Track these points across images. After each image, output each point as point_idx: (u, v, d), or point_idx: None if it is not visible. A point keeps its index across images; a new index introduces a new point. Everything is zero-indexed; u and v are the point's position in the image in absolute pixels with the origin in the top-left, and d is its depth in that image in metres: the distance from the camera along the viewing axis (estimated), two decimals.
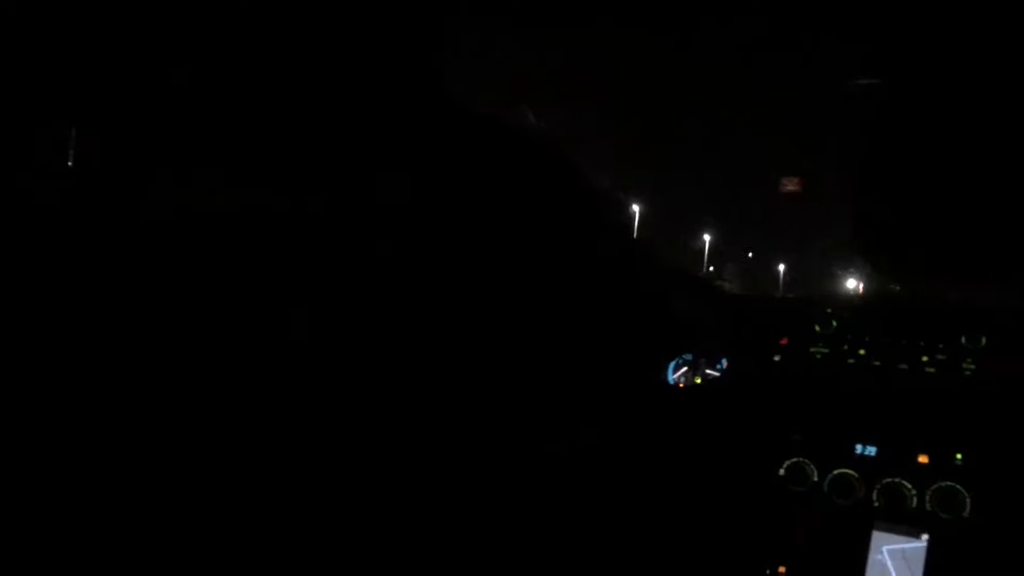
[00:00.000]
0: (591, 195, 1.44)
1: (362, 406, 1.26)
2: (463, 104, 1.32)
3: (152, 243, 1.09)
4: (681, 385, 1.83)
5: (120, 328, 1.05)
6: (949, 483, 1.40)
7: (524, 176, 1.33)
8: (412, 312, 1.33)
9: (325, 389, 1.21)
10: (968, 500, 1.37)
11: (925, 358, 1.54)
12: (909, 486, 1.43)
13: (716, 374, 1.80)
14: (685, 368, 1.84)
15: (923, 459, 1.45)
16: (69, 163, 1.09)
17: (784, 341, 1.68)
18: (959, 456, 1.43)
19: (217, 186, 1.12)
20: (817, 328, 1.64)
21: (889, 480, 1.44)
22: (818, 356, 1.63)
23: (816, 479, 1.50)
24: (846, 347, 1.62)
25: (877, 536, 1.42)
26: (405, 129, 1.26)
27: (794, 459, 1.53)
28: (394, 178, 1.26)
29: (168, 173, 1.12)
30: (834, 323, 1.64)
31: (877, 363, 1.57)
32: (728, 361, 1.78)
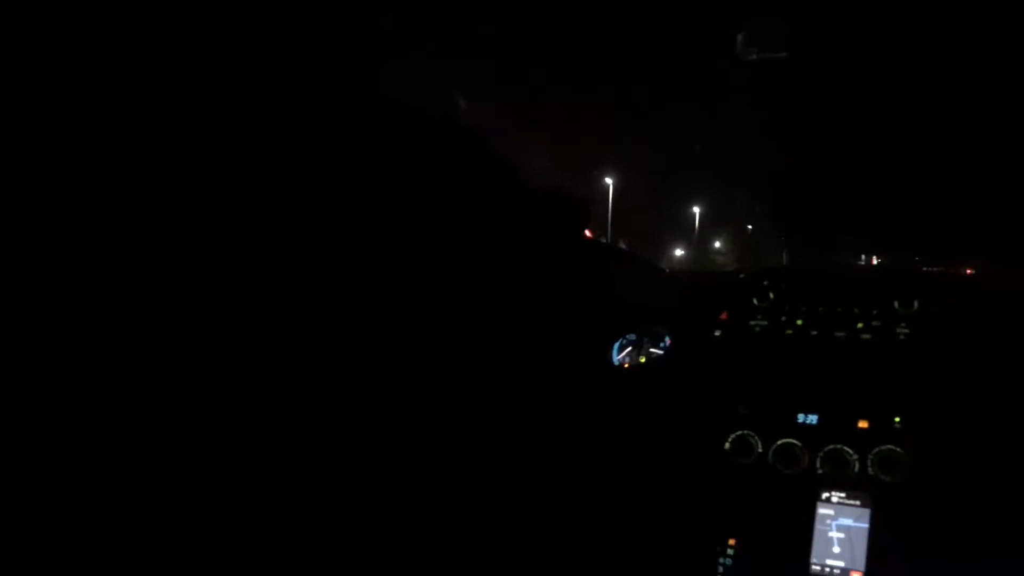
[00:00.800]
0: (518, 185, 1.41)
1: (328, 398, 1.24)
2: (392, 99, 1.28)
3: (147, 244, 1.06)
4: (626, 365, 1.82)
5: (119, 329, 1.04)
6: (889, 446, 1.42)
7: (447, 170, 1.30)
8: (359, 309, 1.30)
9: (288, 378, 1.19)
10: (908, 462, 1.39)
11: (861, 325, 1.55)
12: (851, 451, 1.44)
13: (660, 352, 1.80)
14: (629, 348, 1.84)
15: (863, 424, 1.46)
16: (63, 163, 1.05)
17: (724, 316, 1.68)
18: (897, 419, 1.45)
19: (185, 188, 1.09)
20: (755, 301, 1.65)
21: (831, 447, 1.45)
22: (757, 329, 1.63)
23: (761, 450, 1.51)
24: (784, 319, 1.63)
25: (822, 503, 1.43)
26: (338, 129, 1.22)
27: (739, 432, 1.53)
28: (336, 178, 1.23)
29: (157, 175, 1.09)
30: (771, 295, 1.65)
31: (815, 332, 1.58)
32: (671, 339, 1.77)
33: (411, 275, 1.36)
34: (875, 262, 1.93)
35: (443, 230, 1.39)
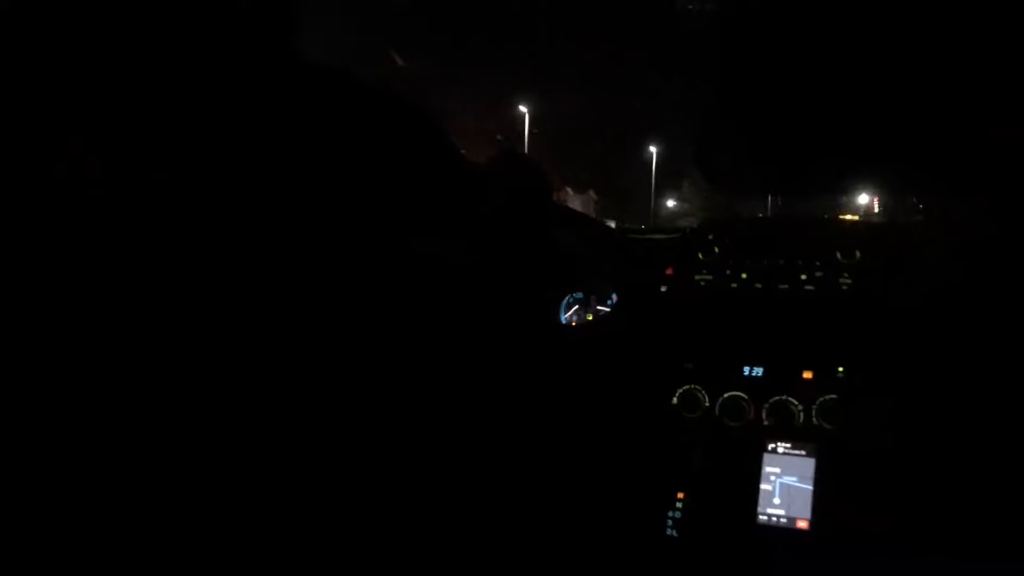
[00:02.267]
0: (447, 145, 1.35)
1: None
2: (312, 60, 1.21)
3: (143, 243, 1.03)
4: (573, 323, 1.79)
5: (121, 329, 1.00)
6: (832, 396, 1.42)
7: (380, 134, 1.24)
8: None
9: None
10: (850, 411, 1.39)
11: (804, 276, 1.54)
12: (796, 403, 1.43)
13: (606, 310, 1.77)
14: (576, 306, 1.81)
15: (807, 375, 1.46)
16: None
17: (670, 271, 1.65)
18: (840, 369, 1.45)
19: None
20: (700, 256, 1.63)
21: (776, 398, 1.45)
22: (703, 284, 1.61)
23: (708, 404, 1.49)
24: (728, 272, 1.61)
25: (768, 454, 1.43)
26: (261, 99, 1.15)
27: (686, 386, 1.52)
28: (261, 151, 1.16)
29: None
30: (716, 250, 1.62)
31: (759, 285, 1.57)
32: (617, 296, 1.75)
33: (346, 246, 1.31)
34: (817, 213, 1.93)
35: (379, 199, 1.33)
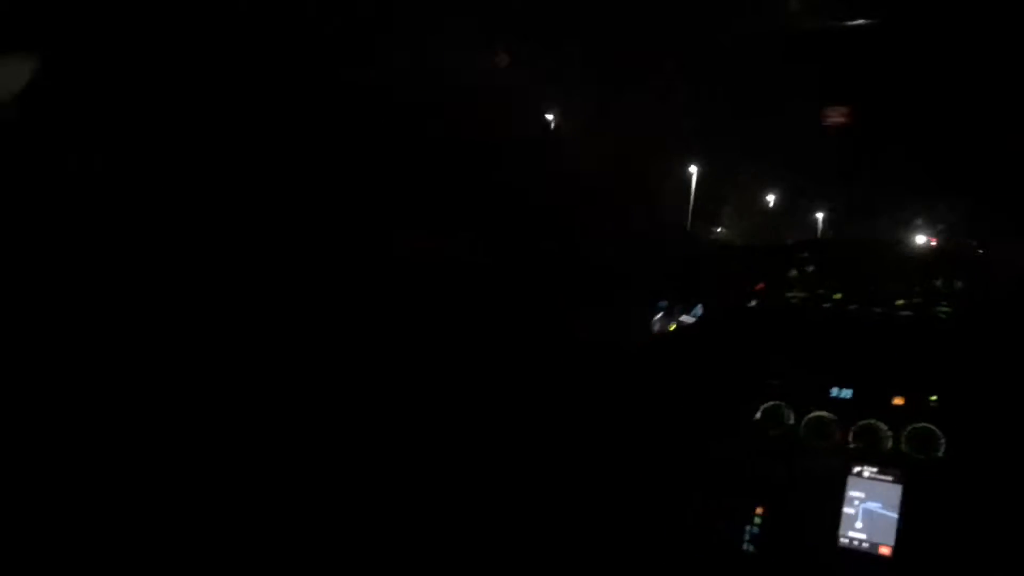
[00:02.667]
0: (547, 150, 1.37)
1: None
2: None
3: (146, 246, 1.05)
4: (657, 332, 1.79)
5: (124, 330, 1.02)
6: (924, 424, 1.39)
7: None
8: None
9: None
10: (943, 441, 1.36)
11: (901, 301, 1.51)
12: (885, 427, 1.41)
13: (691, 320, 1.77)
14: (660, 315, 1.80)
15: (898, 401, 1.43)
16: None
17: (760, 287, 1.64)
18: (933, 398, 1.41)
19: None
20: (794, 273, 1.61)
21: (865, 422, 1.42)
22: (794, 301, 1.60)
23: (792, 422, 1.48)
24: (822, 291, 1.59)
25: (853, 477, 1.40)
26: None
27: (770, 402, 1.50)
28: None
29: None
30: (810, 268, 1.61)
31: (852, 307, 1.54)
32: (704, 308, 1.74)
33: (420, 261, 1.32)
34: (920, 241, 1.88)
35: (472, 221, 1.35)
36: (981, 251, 1.65)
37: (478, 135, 1.44)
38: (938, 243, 1.77)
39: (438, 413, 1.36)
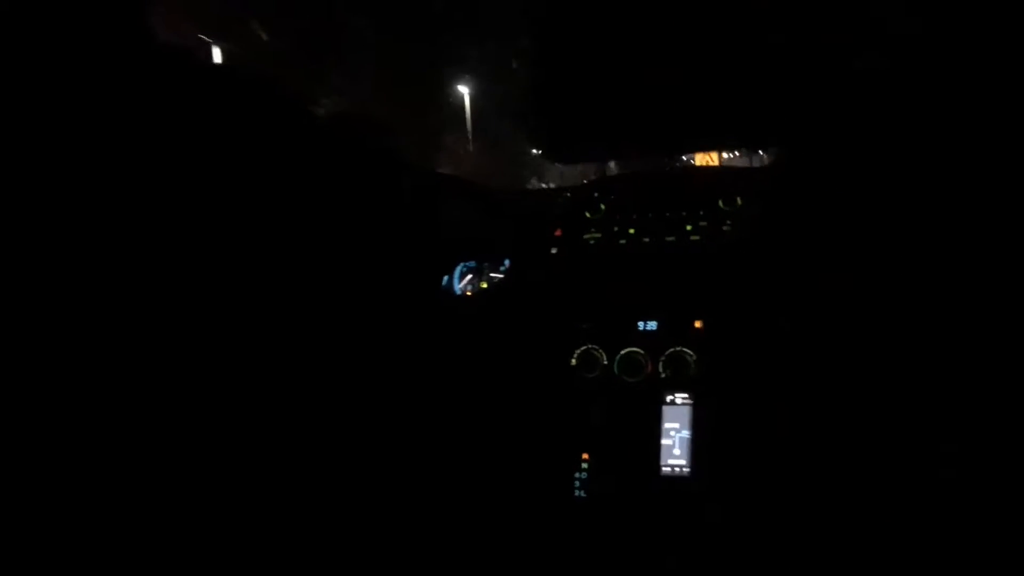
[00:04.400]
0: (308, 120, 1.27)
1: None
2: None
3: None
4: (468, 293, 1.74)
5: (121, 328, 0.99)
6: (722, 344, 1.42)
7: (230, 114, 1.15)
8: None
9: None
10: (739, 358, 1.39)
11: (689, 227, 1.53)
12: (690, 353, 1.43)
13: (500, 276, 1.73)
14: (470, 276, 1.76)
15: (699, 324, 1.45)
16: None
17: (558, 232, 1.62)
18: (727, 317, 1.44)
19: None
20: (587, 214, 1.59)
21: (672, 351, 1.44)
22: (592, 242, 1.58)
23: (606, 362, 1.47)
24: (616, 228, 1.58)
25: (667, 406, 1.42)
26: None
27: (584, 347, 1.50)
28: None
29: None
30: (602, 207, 1.60)
31: (647, 240, 1.55)
32: (510, 262, 1.70)
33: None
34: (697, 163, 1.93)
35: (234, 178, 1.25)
36: (759, 165, 1.69)
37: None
38: (718, 164, 1.81)
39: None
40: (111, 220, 1.03)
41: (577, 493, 1.41)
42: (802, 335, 1.35)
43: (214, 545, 1.15)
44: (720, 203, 1.52)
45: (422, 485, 1.48)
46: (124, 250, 1.01)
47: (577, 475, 1.41)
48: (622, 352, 1.46)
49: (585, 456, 1.42)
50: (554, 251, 1.61)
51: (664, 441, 1.39)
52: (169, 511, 1.07)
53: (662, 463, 1.38)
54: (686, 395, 1.41)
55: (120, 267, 1.03)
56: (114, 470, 0.99)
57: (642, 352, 1.45)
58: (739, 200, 1.53)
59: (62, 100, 0.97)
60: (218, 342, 1.17)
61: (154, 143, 1.08)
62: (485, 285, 1.73)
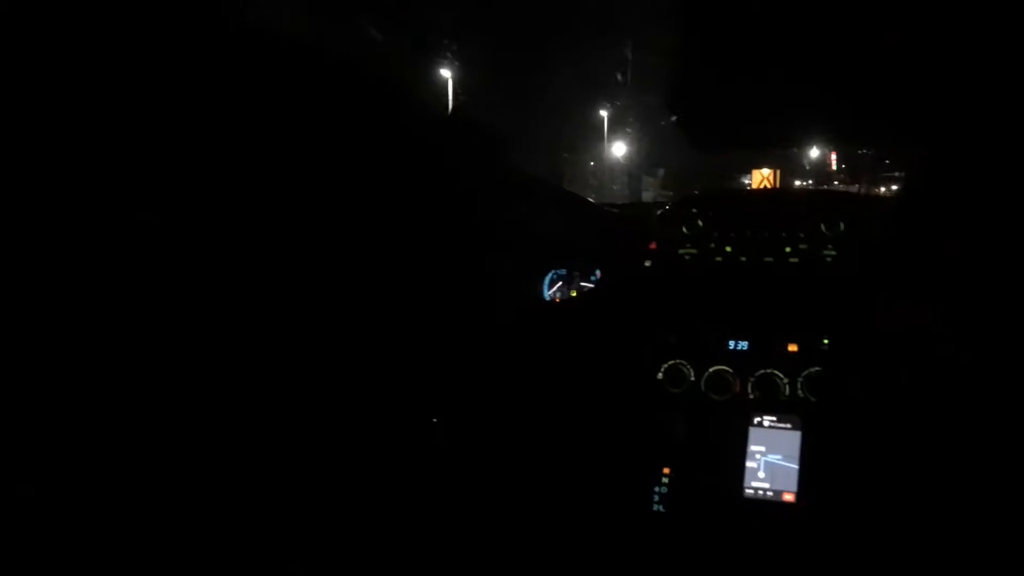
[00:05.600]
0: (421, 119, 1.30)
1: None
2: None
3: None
4: (557, 300, 1.75)
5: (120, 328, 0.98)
6: (818, 368, 1.38)
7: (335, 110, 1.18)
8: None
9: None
10: (836, 383, 1.35)
11: (788, 249, 1.49)
12: (781, 375, 1.40)
13: (591, 286, 1.73)
14: (560, 283, 1.76)
15: (792, 348, 1.42)
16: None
17: (653, 246, 1.60)
18: (826, 341, 1.41)
19: None
20: (684, 230, 1.58)
21: (762, 372, 1.41)
22: (687, 258, 1.56)
23: (693, 378, 1.45)
24: (713, 246, 1.56)
25: (755, 428, 1.39)
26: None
27: (671, 361, 1.48)
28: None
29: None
30: (700, 223, 1.58)
31: (743, 258, 1.52)
32: (601, 272, 1.70)
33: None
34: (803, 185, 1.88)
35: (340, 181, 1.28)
36: (862, 191, 1.64)
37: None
38: (821, 187, 1.76)
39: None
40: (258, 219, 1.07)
41: (656, 507, 1.39)
42: (910, 374, 1.30)
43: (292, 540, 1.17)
44: (822, 226, 1.48)
45: (502, 487, 1.48)
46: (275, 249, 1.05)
47: (657, 489, 1.39)
48: (710, 369, 1.44)
49: (666, 471, 1.40)
50: (648, 264, 1.59)
51: (749, 463, 1.36)
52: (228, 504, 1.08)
53: (746, 485, 1.35)
54: (774, 418, 1.38)
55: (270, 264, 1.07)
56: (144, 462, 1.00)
57: (731, 371, 1.42)
58: (842, 225, 1.49)
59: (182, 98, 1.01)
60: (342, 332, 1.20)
61: (285, 142, 1.11)
62: (575, 293, 1.73)
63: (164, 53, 0.95)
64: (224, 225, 1.07)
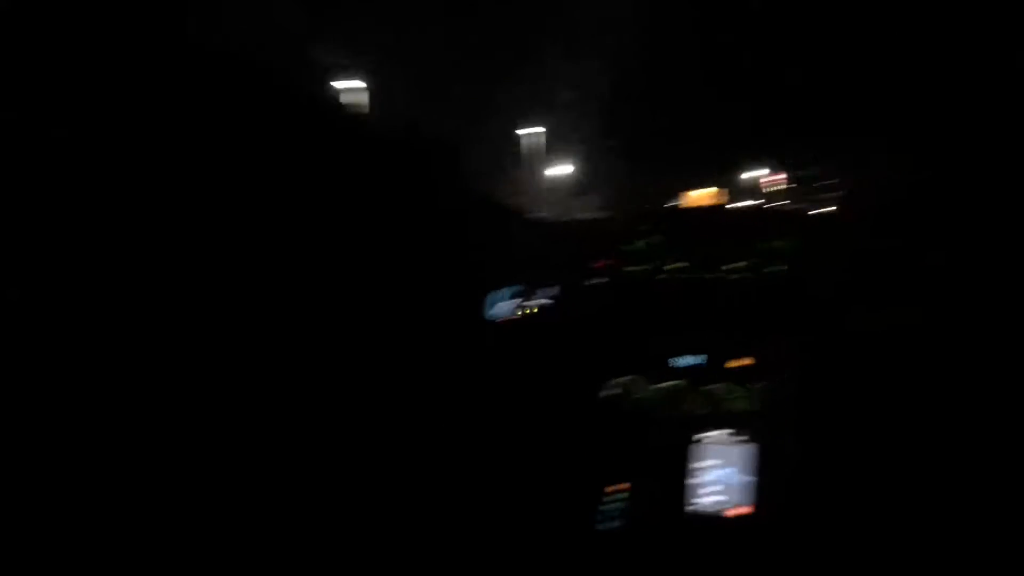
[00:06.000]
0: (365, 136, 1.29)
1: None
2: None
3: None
4: (517, 315, 1.74)
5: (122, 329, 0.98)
6: (767, 383, 1.41)
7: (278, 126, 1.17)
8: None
9: None
10: (785, 397, 1.38)
11: (741, 263, 1.53)
12: (734, 389, 1.42)
13: (548, 301, 1.73)
14: (517, 299, 1.76)
15: (746, 361, 1.44)
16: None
17: (607, 262, 1.62)
18: (775, 356, 1.44)
19: None
20: (638, 245, 1.60)
21: (715, 385, 1.43)
22: (640, 272, 1.59)
23: (646, 393, 1.47)
24: (658, 262, 1.59)
25: (708, 442, 1.41)
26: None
27: (625, 377, 1.49)
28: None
29: None
30: (650, 239, 1.60)
31: (696, 273, 1.55)
32: (558, 288, 1.70)
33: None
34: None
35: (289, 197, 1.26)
36: (808, 211, 1.70)
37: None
38: (767, 205, 1.82)
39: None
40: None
41: (610, 524, 1.39)
42: (849, 376, 1.35)
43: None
44: (770, 243, 1.52)
45: (454, 498, 1.47)
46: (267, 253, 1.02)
47: (612, 506, 1.40)
48: (664, 384, 1.46)
49: (622, 485, 1.40)
50: (602, 279, 1.61)
51: (703, 477, 1.37)
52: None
53: (700, 498, 1.36)
54: (727, 432, 1.40)
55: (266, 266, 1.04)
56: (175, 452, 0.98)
57: (684, 385, 1.44)
58: (782, 241, 1.53)
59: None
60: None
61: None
62: (530, 310, 1.73)
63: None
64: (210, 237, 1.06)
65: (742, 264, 1.53)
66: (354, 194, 1.28)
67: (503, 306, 1.72)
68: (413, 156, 1.35)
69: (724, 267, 1.54)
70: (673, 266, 1.58)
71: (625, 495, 1.40)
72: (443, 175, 1.42)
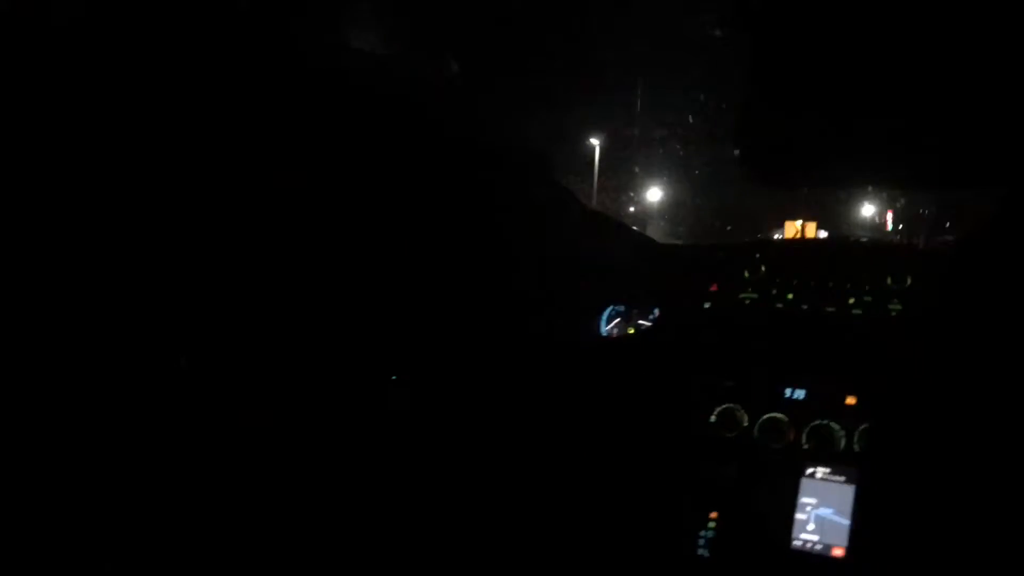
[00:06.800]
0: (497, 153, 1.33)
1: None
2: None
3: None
4: (614, 336, 1.74)
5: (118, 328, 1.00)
6: (876, 423, 1.35)
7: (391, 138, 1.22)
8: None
9: None
10: (894, 440, 1.32)
11: (852, 300, 1.47)
12: (837, 427, 1.37)
13: (648, 324, 1.72)
14: (618, 319, 1.76)
15: (851, 400, 1.39)
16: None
17: (714, 287, 1.60)
18: (886, 397, 1.37)
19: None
20: (746, 274, 1.57)
21: (818, 422, 1.38)
22: (747, 302, 1.55)
23: (746, 424, 1.43)
24: (775, 291, 1.54)
25: (806, 479, 1.36)
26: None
27: (725, 405, 1.46)
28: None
29: None
30: (763, 268, 1.56)
31: (805, 307, 1.50)
32: (660, 310, 1.69)
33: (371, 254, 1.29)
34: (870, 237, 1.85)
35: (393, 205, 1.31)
36: (931, 247, 1.61)
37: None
38: (889, 241, 1.73)
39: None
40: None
41: (700, 551, 1.37)
42: (970, 429, 1.26)
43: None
44: (888, 280, 1.46)
45: (548, 521, 1.48)
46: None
47: (703, 533, 1.37)
48: (765, 416, 1.42)
49: (713, 515, 1.38)
50: (707, 305, 1.59)
51: (799, 515, 1.33)
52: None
53: (794, 536, 1.32)
54: (828, 470, 1.35)
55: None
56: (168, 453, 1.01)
57: (786, 419, 1.40)
58: (909, 279, 1.46)
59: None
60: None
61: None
62: (632, 331, 1.73)
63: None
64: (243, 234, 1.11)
65: (861, 300, 1.47)
66: (466, 203, 1.33)
67: (604, 323, 1.73)
68: (518, 167, 1.38)
69: (841, 302, 1.48)
70: (788, 296, 1.53)
71: (714, 524, 1.37)
72: (546, 188, 1.44)
